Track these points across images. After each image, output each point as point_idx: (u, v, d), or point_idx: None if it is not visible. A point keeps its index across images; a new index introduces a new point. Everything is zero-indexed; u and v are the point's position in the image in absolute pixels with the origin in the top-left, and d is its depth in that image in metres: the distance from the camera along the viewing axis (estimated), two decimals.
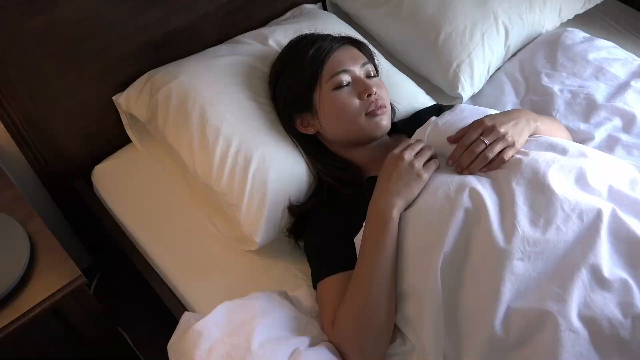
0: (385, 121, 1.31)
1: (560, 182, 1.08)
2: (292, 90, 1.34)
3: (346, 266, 1.15)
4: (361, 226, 1.16)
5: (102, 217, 1.53)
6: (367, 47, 1.43)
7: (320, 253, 1.22)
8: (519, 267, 1.02)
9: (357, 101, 1.29)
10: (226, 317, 1.13)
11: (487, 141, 1.14)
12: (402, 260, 1.09)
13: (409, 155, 1.14)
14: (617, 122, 1.45)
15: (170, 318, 1.35)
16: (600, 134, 1.44)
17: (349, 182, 1.31)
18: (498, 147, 1.14)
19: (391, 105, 1.40)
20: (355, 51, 1.36)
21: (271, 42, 1.54)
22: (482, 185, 1.10)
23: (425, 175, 1.13)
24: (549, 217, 1.05)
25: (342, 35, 1.42)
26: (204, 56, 1.50)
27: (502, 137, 1.14)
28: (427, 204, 1.10)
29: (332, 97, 1.29)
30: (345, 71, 1.30)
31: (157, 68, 1.49)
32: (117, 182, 1.53)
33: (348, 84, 1.30)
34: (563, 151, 1.16)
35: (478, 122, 1.18)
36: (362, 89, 1.29)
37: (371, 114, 1.29)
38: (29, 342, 1.22)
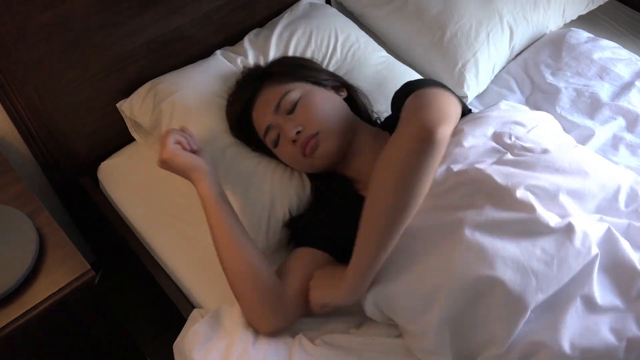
0: (321, 149, 1.22)
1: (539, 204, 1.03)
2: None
3: (328, 249, 1.20)
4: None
5: (107, 213, 1.52)
6: (283, 64, 1.36)
7: (311, 227, 1.25)
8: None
9: (293, 148, 1.24)
10: (225, 317, 1.15)
11: None
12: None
13: None
14: (620, 121, 1.47)
15: (175, 315, 1.34)
16: (605, 133, 1.45)
17: (345, 194, 1.29)
18: None
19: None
20: (268, 91, 1.28)
21: (272, 45, 1.55)
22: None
23: None
24: (530, 233, 1.00)
25: (255, 69, 1.39)
26: (207, 66, 1.52)
27: None
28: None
29: (278, 153, 1.29)
30: (268, 128, 1.26)
31: (160, 77, 1.50)
32: (123, 178, 1.53)
33: (278, 135, 1.26)
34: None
35: None
36: (287, 137, 1.23)
37: (305, 153, 1.23)
38: (36, 336, 1.22)
